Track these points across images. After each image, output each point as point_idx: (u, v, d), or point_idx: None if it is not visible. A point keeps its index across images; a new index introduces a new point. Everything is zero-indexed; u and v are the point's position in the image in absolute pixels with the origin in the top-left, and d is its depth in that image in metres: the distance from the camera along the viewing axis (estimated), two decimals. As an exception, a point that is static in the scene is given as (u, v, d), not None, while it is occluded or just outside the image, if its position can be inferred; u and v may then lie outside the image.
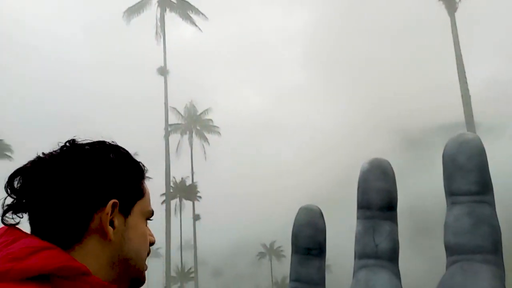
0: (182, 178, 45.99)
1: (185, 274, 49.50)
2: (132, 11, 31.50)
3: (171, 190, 44.73)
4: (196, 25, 32.45)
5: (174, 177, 45.90)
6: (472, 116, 18.36)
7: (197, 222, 45.39)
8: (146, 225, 0.82)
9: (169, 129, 36.18)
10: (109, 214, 0.73)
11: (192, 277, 49.16)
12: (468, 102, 18.29)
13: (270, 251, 63.73)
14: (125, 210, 0.77)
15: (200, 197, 45.97)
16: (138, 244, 0.77)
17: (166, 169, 28.47)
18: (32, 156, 0.74)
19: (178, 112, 38.40)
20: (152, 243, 0.82)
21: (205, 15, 32.44)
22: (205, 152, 39.24)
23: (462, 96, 18.49)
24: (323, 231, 0.33)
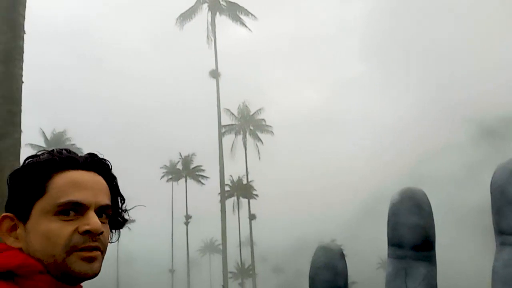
0: (239, 177, 46.81)
1: (245, 271, 50.40)
2: (185, 17, 32.58)
3: (229, 189, 45.81)
4: (246, 26, 32.82)
5: (231, 176, 46.83)
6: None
7: (256, 220, 45.95)
8: (61, 220, 0.80)
9: (223, 130, 37.01)
10: (2, 230, 0.83)
11: (257, 274, 49.85)
12: None
13: (330, 249, 62.67)
14: (23, 217, 0.82)
15: (257, 195, 46.51)
16: (39, 245, 0.79)
17: (220, 169, 29.17)
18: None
19: (232, 113, 39.17)
20: (83, 231, 0.80)
21: (254, 15, 32.69)
22: (259, 152, 39.65)
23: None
24: (344, 275, 0.29)
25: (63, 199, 0.80)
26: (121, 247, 57.97)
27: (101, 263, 0.83)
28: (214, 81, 30.98)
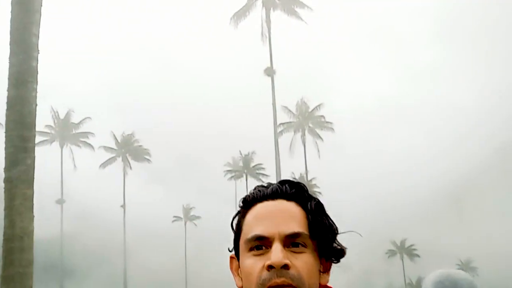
0: (301, 174, 45.88)
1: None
2: (239, 15, 32.16)
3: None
4: (302, 19, 31.57)
5: (293, 173, 46.07)
6: None
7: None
8: (253, 255, 0.77)
9: (281, 128, 36.18)
10: (232, 269, 0.84)
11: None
12: None
13: (401, 249, 59.53)
14: (237, 256, 0.82)
15: (320, 193, 45.23)
16: (245, 282, 0.78)
17: (276, 168, 28.48)
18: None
19: (289, 110, 38.22)
20: (268, 266, 0.74)
21: (310, 7, 31.31)
22: (318, 150, 38.29)
23: None
24: None
25: (250, 235, 0.77)
26: (190, 242, 60.11)
27: None
28: (270, 79, 30.35)
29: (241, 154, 47.88)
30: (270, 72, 29.98)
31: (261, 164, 46.92)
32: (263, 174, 46.18)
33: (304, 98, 39.19)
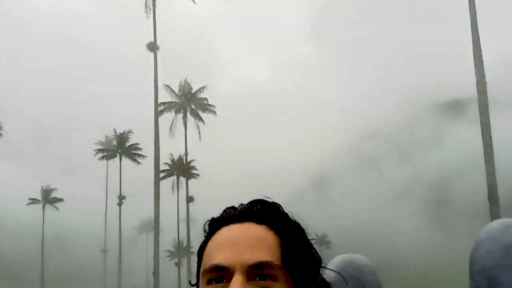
0: (180, 156, 45.07)
1: (183, 249, 49.28)
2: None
3: (168, 168, 43.94)
4: (190, -3, 30.39)
5: (171, 155, 44.98)
6: (486, 91, 16.26)
7: (199, 201, 44.87)
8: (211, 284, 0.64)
9: (162, 107, 34.77)
10: None
11: (193, 252, 49.27)
12: (482, 74, 16.24)
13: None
14: None
15: (197, 175, 45.16)
16: None
17: (155, 150, 27.28)
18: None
19: (172, 90, 36.95)
20: None
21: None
22: (199, 132, 38.01)
23: (475, 65, 16.35)
24: None
25: (207, 265, 0.65)
26: (48, 227, 54.25)
27: None
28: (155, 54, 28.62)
29: (115, 132, 44.63)
30: (153, 47, 28.30)
31: (137, 144, 44.49)
32: (140, 155, 43.90)
33: (188, 79, 38.29)
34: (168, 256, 55.68)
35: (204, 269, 0.65)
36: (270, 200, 0.68)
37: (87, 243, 63.54)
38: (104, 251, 54.03)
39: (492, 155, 15.59)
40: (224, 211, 0.70)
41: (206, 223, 0.70)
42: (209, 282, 0.63)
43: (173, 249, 52.33)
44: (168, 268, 49.69)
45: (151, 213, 28.64)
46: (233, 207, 0.70)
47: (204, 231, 0.70)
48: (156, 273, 25.30)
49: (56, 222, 56.68)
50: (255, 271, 0.61)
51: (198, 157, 45.95)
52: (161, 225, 29.16)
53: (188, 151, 42.99)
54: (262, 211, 0.67)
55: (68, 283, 62.27)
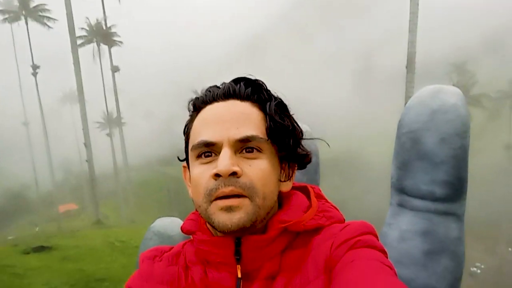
0: (97, 20, 40.61)
1: (113, 120, 48.34)
2: None
3: (86, 34, 39.75)
4: None
5: (87, 18, 40.45)
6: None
7: (124, 70, 42.47)
8: (201, 164, 0.67)
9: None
10: (185, 179, 0.74)
11: (124, 123, 48.78)
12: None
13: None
14: (188, 166, 0.72)
15: (121, 42, 41.71)
16: (192, 193, 0.69)
17: (67, 12, 23.97)
18: None
19: None
20: (215, 175, 0.64)
21: None
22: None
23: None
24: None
25: (196, 141, 0.67)
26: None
27: (252, 213, 0.63)
28: None
29: (15, -11, 37.91)
30: None
31: (45, 4, 38.62)
32: (49, 17, 38.51)
33: None
34: (98, 128, 54.54)
35: (192, 145, 0.67)
36: (252, 78, 0.70)
37: (3, 116, 59.62)
38: (26, 123, 51.31)
39: (416, 23, 15.40)
40: (208, 90, 0.71)
41: (190, 102, 0.72)
42: (198, 157, 0.67)
43: (102, 120, 50.97)
44: (99, 139, 49.03)
45: (72, 83, 26.59)
46: (215, 86, 0.71)
47: (188, 110, 0.72)
48: (88, 144, 24.77)
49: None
50: (242, 144, 0.65)
51: (119, 22, 41.89)
52: (86, 97, 27.60)
53: (106, 14, 38.69)
54: (245, 88, 0.69)
55: (-8, 157, 59.91)
